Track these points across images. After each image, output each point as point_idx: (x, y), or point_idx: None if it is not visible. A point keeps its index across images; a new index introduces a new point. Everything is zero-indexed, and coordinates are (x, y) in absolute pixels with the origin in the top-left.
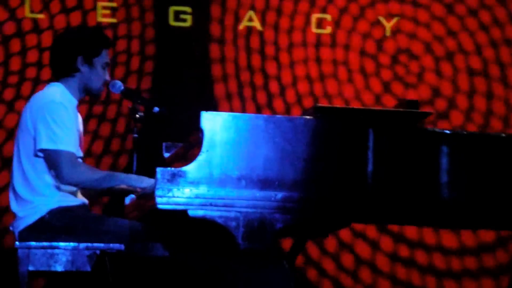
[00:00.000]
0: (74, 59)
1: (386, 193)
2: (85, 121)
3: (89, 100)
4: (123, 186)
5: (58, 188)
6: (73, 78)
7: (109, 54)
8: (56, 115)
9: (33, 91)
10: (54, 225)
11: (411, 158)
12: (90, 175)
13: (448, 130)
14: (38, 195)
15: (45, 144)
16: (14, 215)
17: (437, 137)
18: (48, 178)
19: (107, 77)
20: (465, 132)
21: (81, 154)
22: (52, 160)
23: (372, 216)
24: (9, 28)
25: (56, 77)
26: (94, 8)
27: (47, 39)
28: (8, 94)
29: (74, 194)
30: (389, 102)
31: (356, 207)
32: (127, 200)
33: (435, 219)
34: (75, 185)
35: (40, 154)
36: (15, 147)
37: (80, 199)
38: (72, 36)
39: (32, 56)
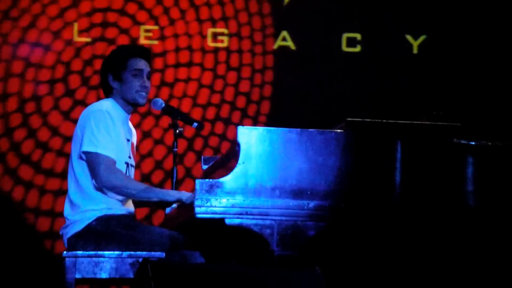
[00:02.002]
0: (106, 79)
1: (413, 201)
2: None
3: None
4: (156, 200)
5: (104, 193)
6: (114, 95)
7: (141, 62)
8: (100, 121)
9: None
10: (100, 232)
11: (437, 167)
12: (125, 182)
13: (473, 142)
14: (88, 198)
15: (86, 147)
16: (64, 220)
17: (463, 148)
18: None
19: (145, 84)
20: (489, 143)
21: (132, 162)
22: (91, 162)
23: (399, 223)
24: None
25: (106, 96)
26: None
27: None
28: None
29: (121, 202)
30: None
31: (384, 215)
32: (168, 209)
33: (460, 226)
34: (109, 189)
35: (83, 156)
36: (70, 154)
37: (126, 208)
38: (103, 60)
39: None
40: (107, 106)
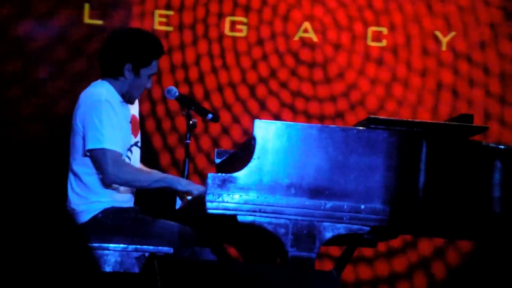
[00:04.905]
0: (122, 65)
1: (437, 205)
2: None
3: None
4: (166, 187)
5: (110, 187)
6: (117, 80)
7: (158, 64)
8: (102, 114)
9: None
10: (106, 224)
11: (463, 171)
12: (134, 175)
13: (503, 145)
14: (92, 192)
15: (91, 144)
16: (69, 212)
17: (491, 152)
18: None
19: (149, 85)
20: None
21: (135, 139)
22: (97, 159)
23: (421, 229)
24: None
25: (103, 75)
26: None
27: None
28: None
29: (127, 196)
30: None
31: (405, 219)
32: (178, 204)
33: (484, 234)
34: (119, 184)
35: (88, 154)
36: (70, 147)
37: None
38: (125, 41)
39: None
40: (106, 94)
